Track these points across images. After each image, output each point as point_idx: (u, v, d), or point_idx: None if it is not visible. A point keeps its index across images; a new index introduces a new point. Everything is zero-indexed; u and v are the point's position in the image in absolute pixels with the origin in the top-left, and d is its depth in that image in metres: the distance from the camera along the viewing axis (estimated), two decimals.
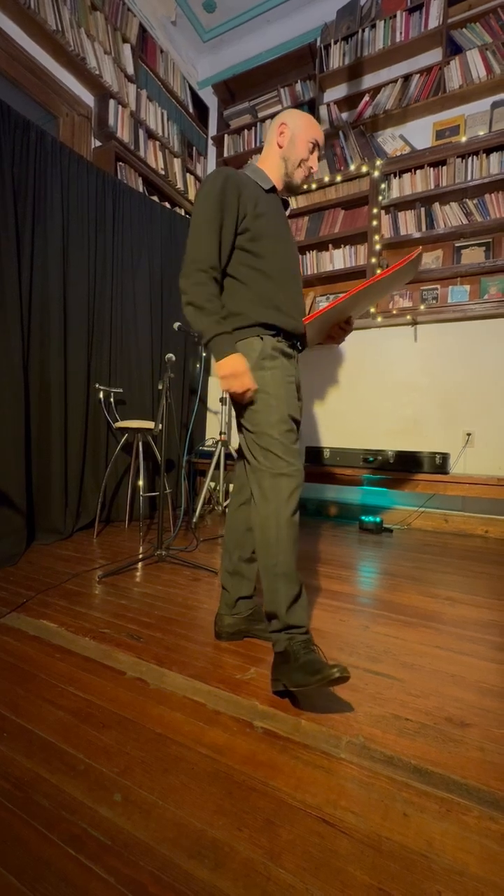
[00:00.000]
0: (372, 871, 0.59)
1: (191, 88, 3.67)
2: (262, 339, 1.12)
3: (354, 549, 2.31)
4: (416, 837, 0.64)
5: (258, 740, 0.84)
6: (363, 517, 2.84)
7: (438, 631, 1.35)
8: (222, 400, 3.09)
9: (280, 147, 1.22)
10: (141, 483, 2.50)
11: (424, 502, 2.91)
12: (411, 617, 1.45)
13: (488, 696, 1.01)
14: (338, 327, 1.28)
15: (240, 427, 1.17)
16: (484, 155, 2.67)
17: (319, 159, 3.10)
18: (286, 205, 1.30)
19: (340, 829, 0.65)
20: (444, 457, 2.59)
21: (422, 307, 2.80)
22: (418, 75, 2.91)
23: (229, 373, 1.06)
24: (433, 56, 2.92)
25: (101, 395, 2.53)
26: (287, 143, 1.21)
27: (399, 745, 0.83)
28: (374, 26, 3.02)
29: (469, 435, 2.80)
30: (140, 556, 1.97)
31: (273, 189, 1.23)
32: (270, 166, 1.24)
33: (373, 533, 2.73)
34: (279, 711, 0.93)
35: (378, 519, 2.78)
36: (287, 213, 1.31)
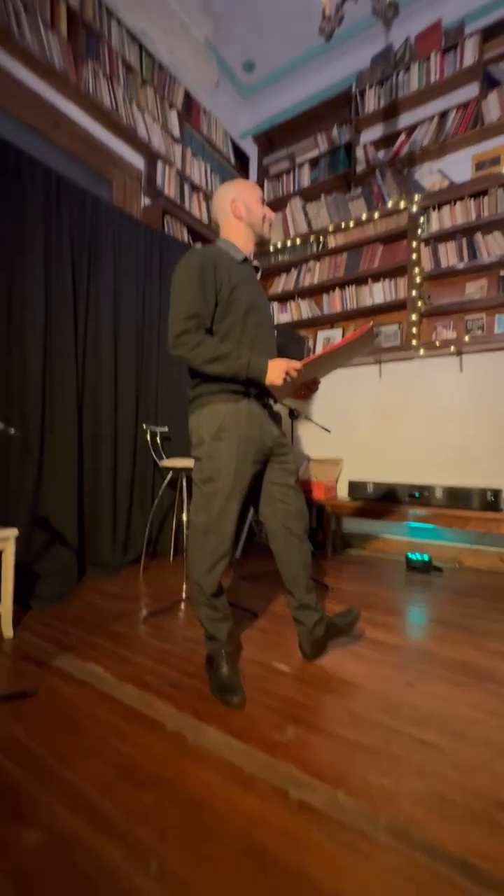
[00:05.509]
0: None
1: (232, 141, 3.90)
2: (226, 404, 1.26)
3: (400, 592, 2.22)
4: None
5: (294, 812, 0.82)
6: (410, 554, 2.73)
7: (492, 693, 1.27)
8: None
9: (240, 218, 1.38)
10: (185, 518, 2.57)
11: (477, 538, 2.76)
12: (461, 675, 1.38)
13: None
14: (304, 386, 1.43)
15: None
16: None
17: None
18: (257, 269, 1.46)
19: None
20: (497, 493, 2.46)
21: (467, 338, 2.73)
22: (455, 111, 2.93)
23: (276, 380, 1.22)
24: (470, 91, 2.93)
25: (149, 434, 2.65)
26: (245, 212, 1.38)
27: (443, 831, 0.79)
28: (408, 69, 3.09)
29: None
30: (183, 597, 2.01)
31: (245, 259, 1.38)
32: (238, 236, 1.39)
33: (421, 572, 2.62)
34: (316, 780, 0.91)
35: (426, 557, 2.67)
36: (258, 275, 1.47)
